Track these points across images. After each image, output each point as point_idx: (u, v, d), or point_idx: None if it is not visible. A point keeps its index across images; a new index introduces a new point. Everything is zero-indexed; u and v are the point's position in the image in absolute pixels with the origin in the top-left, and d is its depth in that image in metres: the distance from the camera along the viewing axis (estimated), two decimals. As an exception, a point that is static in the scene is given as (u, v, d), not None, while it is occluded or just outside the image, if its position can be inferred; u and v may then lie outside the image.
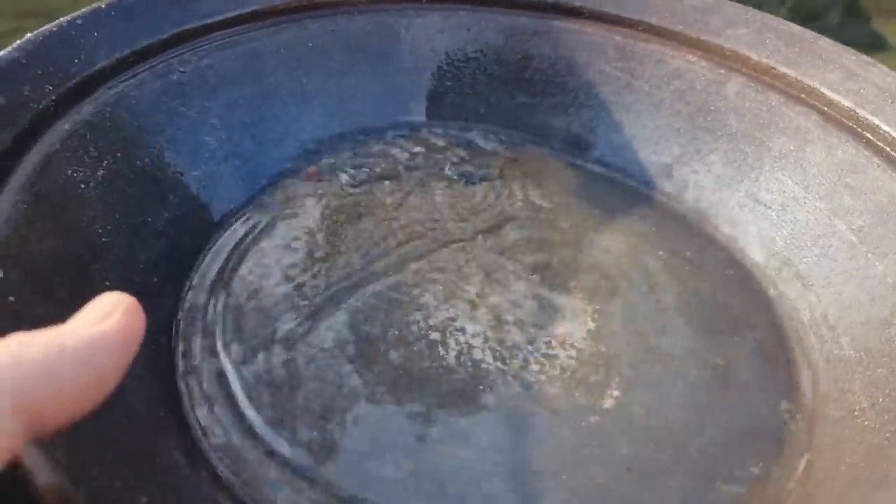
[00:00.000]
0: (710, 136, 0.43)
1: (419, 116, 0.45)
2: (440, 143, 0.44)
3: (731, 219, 0.41)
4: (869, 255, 0.36)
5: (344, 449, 0.30)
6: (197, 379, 0.31)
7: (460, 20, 0.46)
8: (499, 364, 0.33)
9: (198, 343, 0.33)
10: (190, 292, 0.35)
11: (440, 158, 0.43)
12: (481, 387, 0.32)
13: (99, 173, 0.34)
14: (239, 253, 0.37)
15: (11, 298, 0.26)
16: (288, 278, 0.36)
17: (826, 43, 0.42)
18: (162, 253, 0.35)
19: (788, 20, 0.44)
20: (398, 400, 0.31)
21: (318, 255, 0.37)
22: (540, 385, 0.33)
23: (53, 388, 0.18)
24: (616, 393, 0.33)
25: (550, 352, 0.34)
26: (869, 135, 0.38)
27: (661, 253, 0.40)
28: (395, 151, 0.43)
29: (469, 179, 0.43)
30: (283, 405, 0.31)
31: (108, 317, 0.20)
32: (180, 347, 0.32)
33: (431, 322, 0.35)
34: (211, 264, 0.36)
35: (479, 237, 0.39)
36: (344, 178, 0.41)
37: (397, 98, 0.45)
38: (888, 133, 0.38)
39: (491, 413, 0.31)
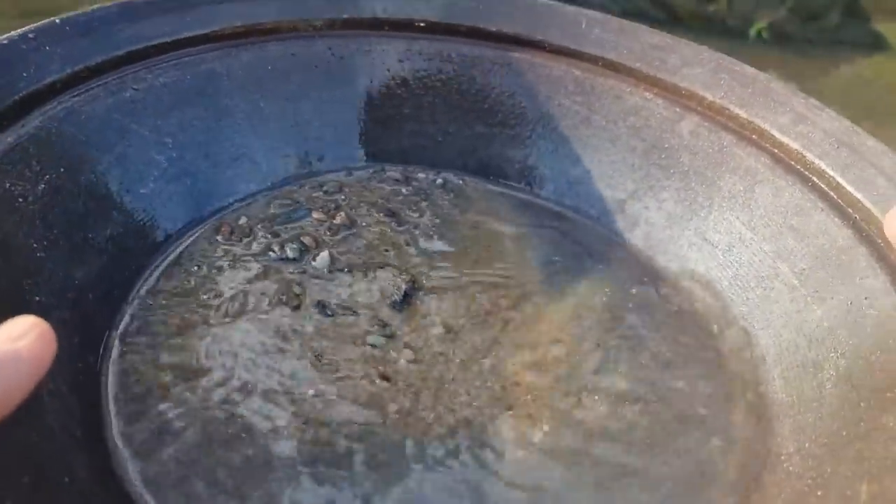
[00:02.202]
0: (663, 173, 0.43)
1: (377, 144, 0.46)
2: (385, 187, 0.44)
3: (680, 257, 0.41)
4: (808, 299, 0.36)
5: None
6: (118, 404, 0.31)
7: (422, 49, 0.46)
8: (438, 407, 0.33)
9: (125, 365, 0.32)
10: (126, 313, 0.35)
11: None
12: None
13: (39, 188, 0.34)
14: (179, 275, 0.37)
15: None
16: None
17: (777, 86, 0.42)
18: (101, 271, 0.35)
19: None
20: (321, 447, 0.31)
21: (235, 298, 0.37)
22: (475, 419, 0.33)
23: None
24: (546, 428, 0.33)
25: (487, 385, 0.34)
26: (815, 178, 0.39)
27: (606, 290, 0.40)
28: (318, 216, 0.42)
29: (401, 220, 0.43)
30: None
31: (21, 338, 0.21)
32: (107, 369, 0.32)
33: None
34: (153, 284, 0.36)
35: (423, 271, 0.39)
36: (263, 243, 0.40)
37: (354, 124, 0.45)
38: (833, 178, 0.38)
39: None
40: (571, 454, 0.32)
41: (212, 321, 0.35)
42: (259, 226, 0.40)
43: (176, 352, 0.33)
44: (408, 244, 0.41)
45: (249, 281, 0.37)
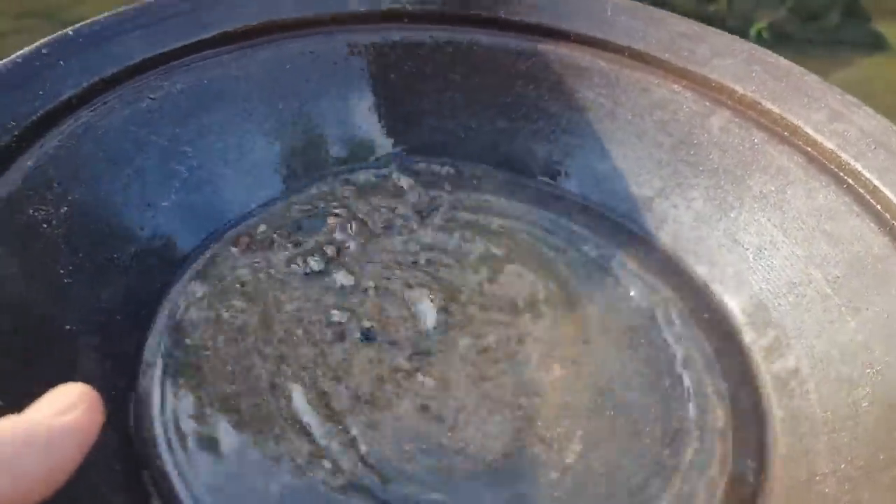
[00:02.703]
0: (691, 170, 0.42)
1: (397, 142, 0.45)
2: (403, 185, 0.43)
3: (709, 258, 0.41)
4: (842, 309, 0.35)
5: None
6: (152, 428, 0.31)
7: (441, 40, 0.45)
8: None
9: (157, 391, 0.32)
10: (155, 333, 0.34)
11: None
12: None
13: (63, 210, 0.33)
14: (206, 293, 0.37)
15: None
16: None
17: (812, 79, 0.41)
18: (127, 291, 0.35)
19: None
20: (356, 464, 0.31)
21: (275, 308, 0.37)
22: (510, 434, 0.33)
23: (14, 480, 0.18)
24: (578, 448, 0.33)
25: (516, 400, 0.34)
26: (850, 180, 0.38)
27: (632, 293, 0.39)
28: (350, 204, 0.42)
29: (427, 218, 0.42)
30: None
31: (71, 410, 0.21)
32: (140, 394, 0.32)
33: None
34: (178, 302, 0.36)
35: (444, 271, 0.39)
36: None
37: (374, 121, 0.44)
38: (869, 180, 0.37)
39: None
40: (606, 467, 0.32)
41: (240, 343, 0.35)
42: (277, 234, 0.39)
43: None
44: (431, 248, 0.40)
45: (277, 302, 0.37)
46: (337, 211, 0.41)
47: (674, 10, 0.44)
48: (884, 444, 0.30)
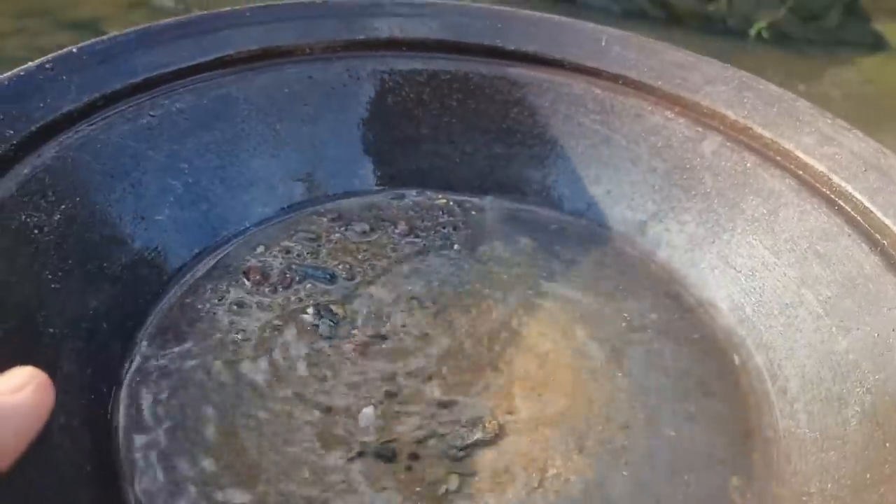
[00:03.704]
0: (684, 194, 0.42)
1: (394, 166, 0.45)
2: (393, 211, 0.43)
3: (701, 281, 0.40)
4: (833, 329, 0.35)
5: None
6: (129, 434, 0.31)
7: (439, 68, 0.46)
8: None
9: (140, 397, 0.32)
10: (141, 342, 0.35)
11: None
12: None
13: (55, 218, 0.34)
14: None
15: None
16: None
17: (803, 104, 0.41)
18: (115, 300, 0.35)
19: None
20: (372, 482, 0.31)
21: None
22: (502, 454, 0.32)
23: None
24: (569, 463, 0.32)
25: (503, 419, 0.34)
26: (842, 202, 0.38)
27: (625, 315, 0.39)
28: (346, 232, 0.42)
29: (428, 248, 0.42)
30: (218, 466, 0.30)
31: (20, 389, 0.21)
32: (120, 399, 0.32)
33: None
34: (167, 314, 0.36)
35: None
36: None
37: (371, 145, 0.45)
38: (860, 202, 0.37)
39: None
40: (585, 487, 0.31)
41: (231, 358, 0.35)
42: (278, 267, 0.39)
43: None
44: (428, 292, 0.39)
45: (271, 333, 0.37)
46: (335, 246, 0.41)
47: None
48: (872, 462, 0.29)
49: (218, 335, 0.36)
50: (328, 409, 0.33)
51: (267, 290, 0.38)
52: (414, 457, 0.31)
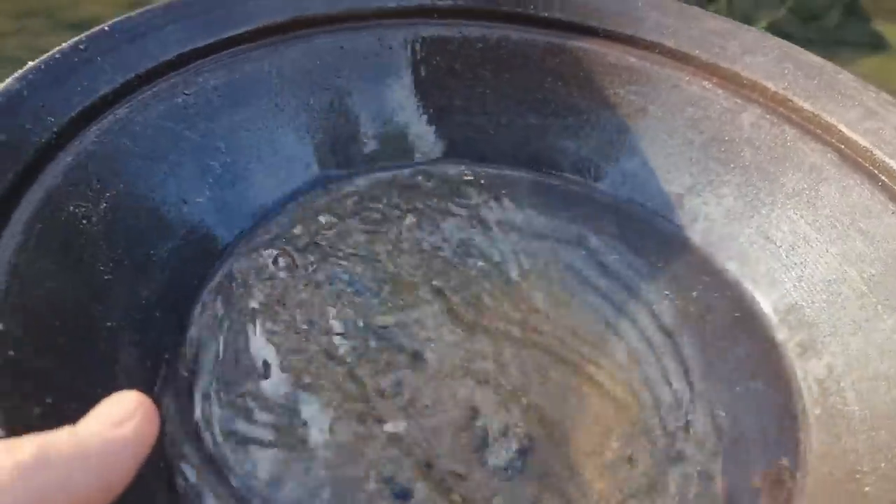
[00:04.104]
0: (722, 167, 0.42)
1: (428, 137, 0.45)
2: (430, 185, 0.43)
3: (741, 255, 0.41)
4: (878, 307, 0.35)
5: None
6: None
7: (471, 36, 0.45)
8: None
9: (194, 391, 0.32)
10: (192, 328, 0.34)
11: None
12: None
13: (101, 206, 0.33)
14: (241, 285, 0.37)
15: (11, 353, 0.26)
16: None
17: (846, 77, 0.41)
18: (165, 286, 0.35)
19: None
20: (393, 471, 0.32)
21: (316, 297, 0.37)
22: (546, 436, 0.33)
23: (69, 497, 0.18)
24: (615, 445, 0.33)
25: (543, 401, 0.34)
26: (885, 178, 0.38)
27: (667, 292, 0.39)
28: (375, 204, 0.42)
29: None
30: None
31: (127, 420, 0.20)
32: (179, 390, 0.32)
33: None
34: (215, 298, 0.36)
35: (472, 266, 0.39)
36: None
37: (404, 117, 0.44)
38: (905, 179, 0.37)
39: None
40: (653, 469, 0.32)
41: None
42: (315, 245, 0.39)
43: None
44: (464, 268, 0.40)
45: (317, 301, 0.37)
46: (364, 214, 0.41)
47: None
48: (924, 443, 0.30)
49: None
50: (380, 392, 0.33)
51: (306, 268, 0.38)
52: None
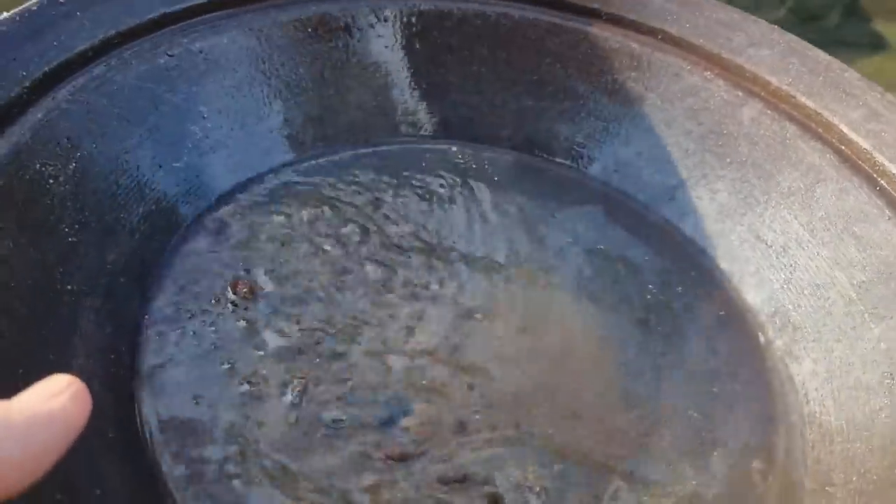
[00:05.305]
0: (718, 161, 0.41)
1: (420, 114, 0.43)
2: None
3: (730, 253, 0.40)
4: (865, 315, 0.34)
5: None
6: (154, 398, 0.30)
7: (469, 12, 0.44)
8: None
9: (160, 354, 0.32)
10: (159, 297, 0.34)
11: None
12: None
13: (71, 166, 0.33)
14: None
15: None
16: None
17: (852, 76, 0.39)
18: (132, 253, 0.34)
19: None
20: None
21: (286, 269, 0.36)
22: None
23: None
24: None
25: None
26: (884, 182, 0.36)
27: (650, 286, 0.38)
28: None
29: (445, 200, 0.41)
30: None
31: (56, 397, 0.20)
32: (142, 358, 0.32)
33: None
34: (183, 265, 0.35)
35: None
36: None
37: (396, 92, 0.43)
38: (905, 184, 0.36)
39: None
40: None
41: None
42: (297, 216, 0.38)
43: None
44: (450, 254, 0.39)
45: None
46: (349, 189, 0.40)
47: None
48: (899, 458, 0.29)
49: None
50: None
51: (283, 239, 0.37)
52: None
